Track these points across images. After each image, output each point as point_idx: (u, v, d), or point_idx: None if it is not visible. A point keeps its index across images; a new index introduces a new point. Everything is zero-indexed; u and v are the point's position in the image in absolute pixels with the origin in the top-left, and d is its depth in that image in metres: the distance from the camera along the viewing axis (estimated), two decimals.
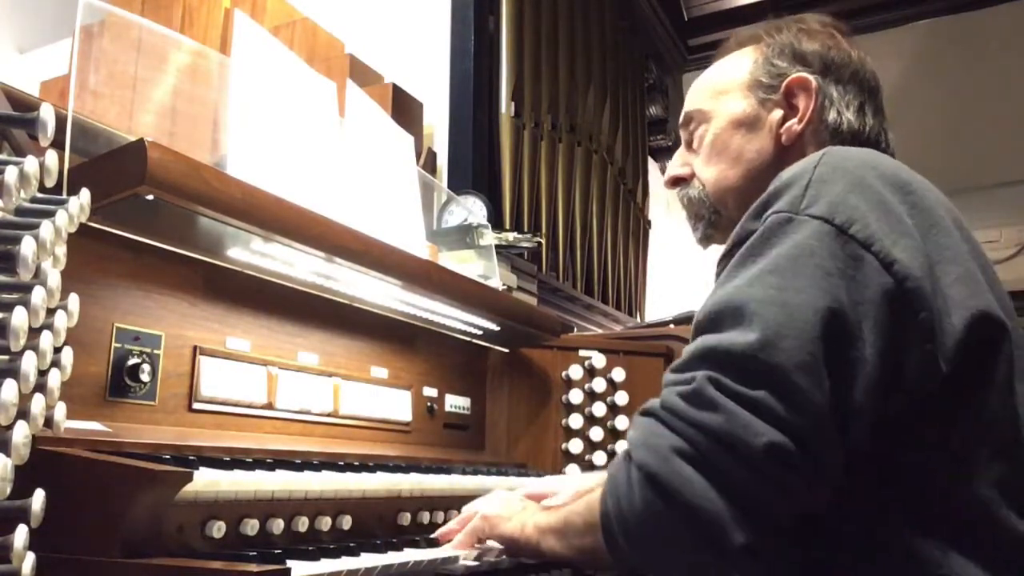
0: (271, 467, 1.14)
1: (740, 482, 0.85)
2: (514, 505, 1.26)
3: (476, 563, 1.21)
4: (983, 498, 0.91)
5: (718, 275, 1.03)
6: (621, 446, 2.06)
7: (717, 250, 1.14)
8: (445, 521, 1.43)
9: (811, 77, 1.19)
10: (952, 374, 0.90)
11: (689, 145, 1.31)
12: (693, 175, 1.29)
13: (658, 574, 1.02)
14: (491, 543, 1.27)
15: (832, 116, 1.19)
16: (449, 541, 1.27)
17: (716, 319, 0.93)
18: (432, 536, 1.30)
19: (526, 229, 3.23)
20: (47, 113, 0.76)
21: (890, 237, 0.92)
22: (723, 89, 1.26)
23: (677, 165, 1.32)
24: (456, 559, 1.18)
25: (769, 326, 0.87)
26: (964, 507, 0.91)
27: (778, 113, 1.21)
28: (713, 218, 1.27)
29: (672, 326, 2.39)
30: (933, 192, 1.03)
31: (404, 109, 2.94)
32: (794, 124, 1.19)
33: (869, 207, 0.94)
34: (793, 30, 1.25)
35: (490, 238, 2.41)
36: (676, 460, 0.87)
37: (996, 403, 0.93)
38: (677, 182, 1.32)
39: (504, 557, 1.25)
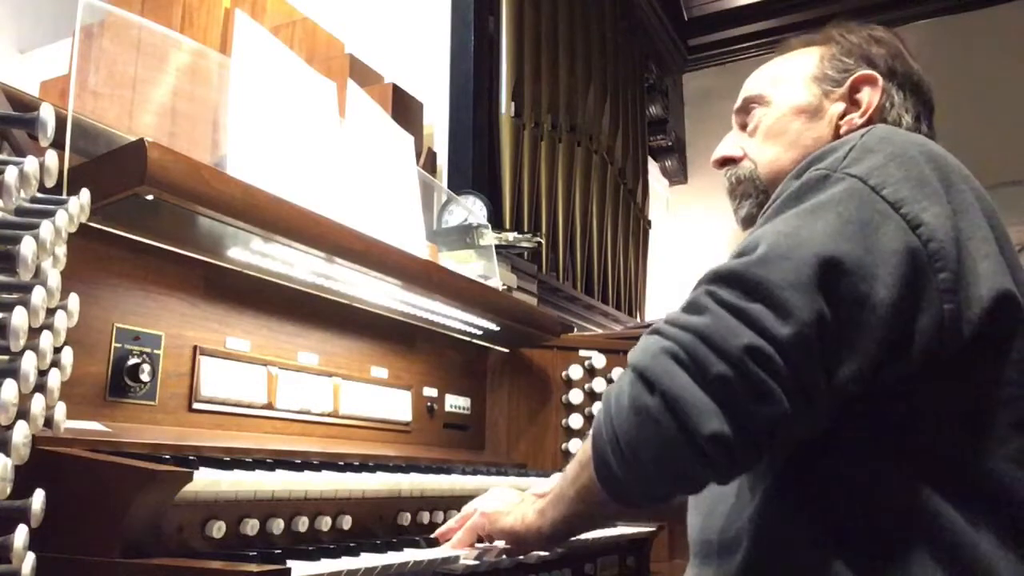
0: (271, 467, 1.14)
1: (718, 376, 0.87)
2: (512, 500, 1.27)
3: (476, 562, 1.21)
4: (999, 471, 0.93)
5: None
6: None
7: (718, 255, 1.14)
8: (445, 521, 1.43)
9: (878, 76, 1.22)
10: (972, 343, 0.92)
11: (743, 128, 1.31)
12: (744, 156, 1.29)
13: (643, 489, 0.99)
14: (491, 543, 1.27)
15: (892, 117, 1.21)
16: (448, 540, 1.27)
17: (736, 255, 0.96)
18: (432, 536, 1.30)
19: (526, 229, 3.23)
20: (47, 113, 0.76)
21: (920, 204, 0.94)
22: (788, 78, 1.27)
23: (729, 145, 1.32)
24: (456, 558, 1.18)
25: (773, 248, 0.91)
26: (979, 478, 0.93)
27: (840, 106, 1.22)
28: (761, 197, 1.26)
29: None
30: (972, 183, 1.05)
31: (404, 109, 2.94)
32: (855, 117, 1.21)
33: (906, 177, 0.96)
34: (863, 34, 1.26)
35: (490, 238, 2.41)
36: (663, 357, 0.90)
37: (1014, 379, 0.95)
38: (725, 162, 1.32)
39: (504, 557, 1.25)
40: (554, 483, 1.40)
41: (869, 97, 1.21)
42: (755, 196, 1.27)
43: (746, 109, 1.31)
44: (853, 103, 1.22)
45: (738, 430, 0.87)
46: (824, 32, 1.30)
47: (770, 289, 0.88)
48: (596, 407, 2.05)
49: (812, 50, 1.28)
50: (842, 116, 1.22)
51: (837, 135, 1.20)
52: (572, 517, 1.12)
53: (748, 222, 1.29)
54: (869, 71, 1.22)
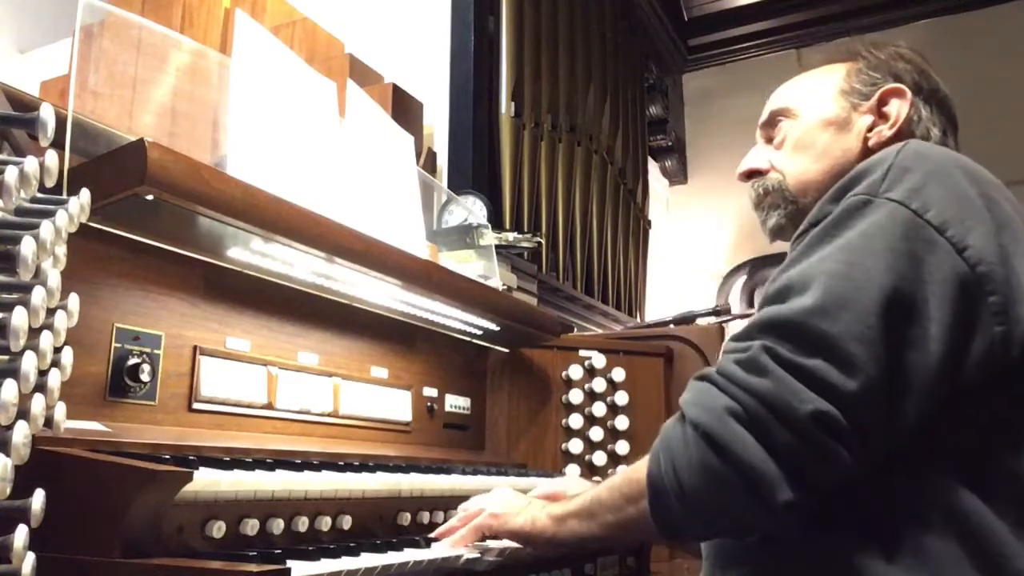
0: (271, 467, 1.14)
1: (785, 445, 0.87)
2: (519, 502, 1.27)
3: (477, 557, 1.21)
4: None
5: (790, 256, 1.04)
6: (621, 446, 2.06)
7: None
8: (445, 521, 1.43)
9: (907, 89, 1.22)
10: (1021, 358, 0.92)
11: (769, 141, 1.32)
12: (771, 168, 1.29)
13: (701, 533, 1.05)
14: (491, 543, 1.27)
15: (920, 131, 1.21)
16: (448, 537, 1.27)
17: (784, 292, 0.96)
18: (431, 536, 1.30)
19: (526, 229, 3.23)
20: (47, 113, 0.76)
21: (965, 224, 0.94)
22: (815, 92, 1.28)
23: (755, 158, 1.32)
24: (458, 558, 1.18)
25: (830, 295, 0.90)
26: (1012, 483, 0.93)
27: (868, 119, 1.23)
28: (790, 208, 1.27)
29: (672, 326, 2.39)
30: (1008, 195, 1.05)
31: (404, 109, 2.94)
32: (884, 129, 1.21)
33: (947, 195, 0.96)
34: (890, 50, 1.27)
35: (490, 238, 2.41)
36: (730, 420, 0.90)
37: None
38: (752, 175, 1.32)
39: (502, 558, 1.25)
40: (560, 485, 1.41)
41: (898, 109, 1.21)
42: (783, 207, 1.27)
43: (772, 123, 1.31)
44: (881, 116, 1.22)
45: (806, 493, 0.89)
46: (849, 48, 1.31)
47: (833, 343, 0.87)
48: (596, 407, 2.06)
49: (838, 66, 1.29)
50: (870, 128, 1.22)
51: (866, 147, 1.20)
52: (603, 538, 1.14)
53: (777, 233, 1.29)
54: (897, 84, 1.22)
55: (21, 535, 0.67)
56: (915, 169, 0.98)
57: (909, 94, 1.21)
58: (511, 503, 1.26)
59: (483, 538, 1.27)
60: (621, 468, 1.99)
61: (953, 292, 0.91)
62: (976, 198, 0.97)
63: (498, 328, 1.87)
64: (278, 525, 1.14)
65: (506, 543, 1.28)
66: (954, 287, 0.91)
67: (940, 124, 1.23)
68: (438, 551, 1.20)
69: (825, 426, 0.86)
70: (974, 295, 0.92)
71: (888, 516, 0.94)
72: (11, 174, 0.70)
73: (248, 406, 1.38)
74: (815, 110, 1.26)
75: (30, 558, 0.69)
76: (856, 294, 0.89)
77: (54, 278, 0.75)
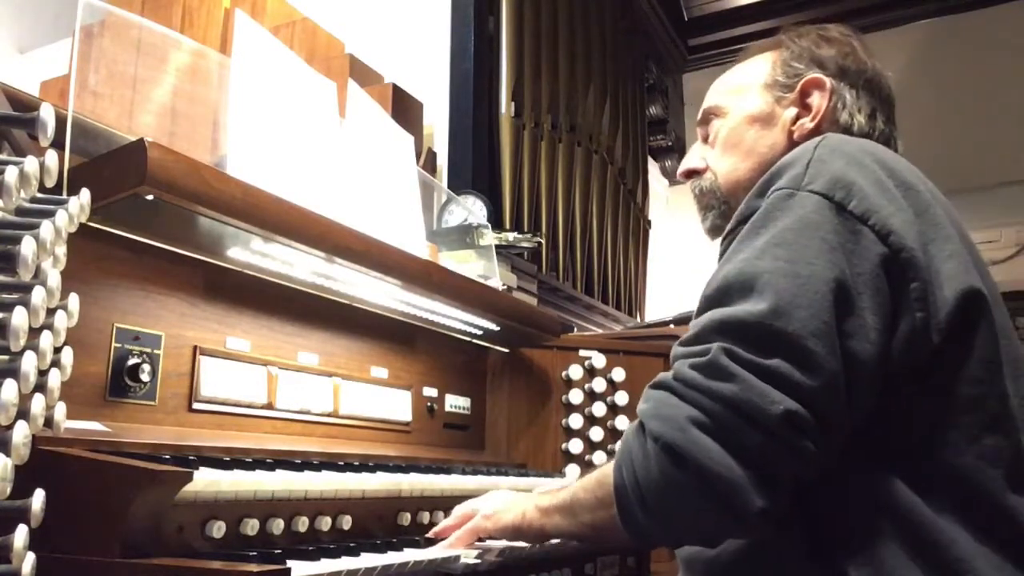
0: (271, 467, 1.14)
1: (757, 449, 0.87)
2: (509, 498, 1.28)
3: (477, 562, 1.21)
4: (970, 469, 0.94)
5: (723, 251, 1.06)
6: None
7: (718, 250, 1.15)
8: None
9: (827, 79, 1.23)
10: (942, 346, 0.94)
11: (705, 140, 1.34)
12: (707, 168, 1.32)
13: (672, 543, 1.06)
14: (491, 543, 1.27)
15: (844, 118, 1.22)
16: (445, 538, 1.27)
17: (726, 291, 0.96)
18: (428, 535, 1.30)
19: (526, 229, 3.23)
20: (47, 113, 0.76)
21: (886, 209, 0.96)
22: (742, 88, 1.30)
23: (693, 158, 1.35)
24: (457, 558, 1.18)
25: (782, 296, 0.90)
26: (953, 476, 0.94)
27: (792, 111, 1.25)
28: (723, 208, 1.30)
29: (672, 326, 2.39)
30: (926, 183, 1.07)
31: (404, 109, 2.94)
32: (807, 122, 1.23)
33: (866, 183, 0.98)
34: (813, 36, 1.28)
35: (490, 238, 2.41)
36: (693, 430, 0.89)
37: (981, 380, 0.96)
38: (691, 174, 1.36)
39: (502, 557, 1.24)
40: (559, 485, 1.42)
41: (819, 101, 1.22)
42: (717, 207, 1.31)
43: (706, 120, 1.34)
44: (805, 107, 1.24)
45: (777, 496, 0.89)
46: (776, 37, 1.33)
47: (792, 341, 0.88)
48: (596, 407, 2.05)
49: (766, 56, 1.31)
50: (794, 121, 1.24)
51: (791, 140, 1.22)
52: (584, 537, 1.16)
53: (715, 232, 1.32)
54: (817, 74, 1.23)
55: (21, 535, 0.67)
56: (833, 161, 1.00)
57: (829, 83, 1.22)
58: (502, 501, 1.27)
59: (480, 540, 1.28)
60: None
61: (880, 281, 0.93)
62: (893, 187, 1.00)
63: (498, 328, 1.87)
64: (278, 525, 1.14)
65: (505, 543, 1.28)
66: (880, 275, 0.93)
67: (868, 106, 1.23)
68: (438, 551, 1.20)
69: (794, 425, 0.87)
70: (898, 281, 0.94)
71: (830, 515, 0.95)
72: (11, 174, 0.70)
73: (248, 406, 1.38)
74: (741, 107, 1.28)
75: (30, 558, 0.69)
76: (805, 291, 0.90)
77: (54, 278, 0.75)
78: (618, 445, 1.00)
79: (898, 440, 0.96)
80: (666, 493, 0.91)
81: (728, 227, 1.07)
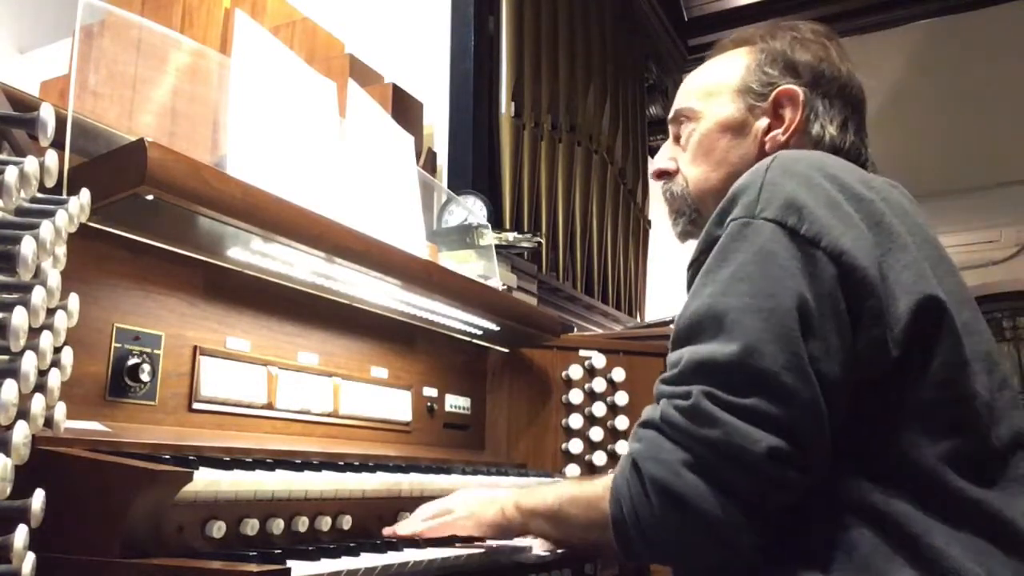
0: (271, 467, 1.14)
1: (746, 487, 0.92)
2: (483, 495, 1.29)
3: (476, 561, 1.21)
4: (933, 467, 0.96)
5: (689, 279, 1.09)
6: (621, 446, 2.06)
7: None
8: None
9: (800, 90, 1.22)
10: (900, 357, 0.96)
11: (677, 140, 1.34)
12: (678, 170, 1.32)
13: (673, 567, 1.11)
14: (490, 543, 1.27)
15: (816, 129, 1.22)
16: (414, 536, 1.26)
17: (697, 328, 1.00)
18: (387, 532, 1.29)
19: (526, 229, 3.23)
20: (47, 113, 0.76)
21: (837, 229, 0.98)
22: (714, 91, 1.29)
23: (664, 158, 1.35)
24: (458, 558, 1.18)
25: (750, 334, 0.94)
26: (916, 474, 0.96)
27: (764, 121, 1.24)
28: (693, 215, 1.31)
29: (672, 326, 2.38)
30: (880, 191, 1.07)
31: (404, 109, 2.94)
32: (779, 134, 1.23)
33: (816, 204, 1.00)
34: (787, 38, 1.27)
35: (490, 238, 2.41)
36: (687, 473, 0.93)
37: (943, 382, 0.98)
38: (662, 175, 1.36)
39: (502, 557, 1.25)
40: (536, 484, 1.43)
41: (791, 114, 1.22)
42: (688, 214, 1.31)
43: (678, 120, 1.33)
44: (777, 118, 1.23)
45: (767, 524, 0.94)
46: (749, 34, 1.32)
47: (768, 378, 0.92)
48: (596, 407, 2.05)
49: (739, 55, 1.29)
50: (767, 132, 1.23)
51: (763, 151, 1.22)
52: (566, 544, 1.24)
53: (685, 236, 1.34)
54: (791, 85, 1.22)
55: (21, 535, 0.67)
56: (783, 184, 1.01)
57: (802, 96, 1.22)
58: (479, 500, 1.28)
59: (465, 538, 1.28)
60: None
61: (839, 302, 0.96)
62: (844, 203, 1.01)
63: (498, 328, 1.87)
64: (278, 525, 1.14)
65: (506, 542, 1.28)
66: (837, 296, 0.96)
67: (840, 115, 1.23)
68: (438, 551, 1.20)
69: (779, 458, 0.91)
70: (854, 300, 0.96)
71: (808, 518, 0.97)
72: (11, 174, 0.70)
73: (248, 406, 1.38)
74: (714, 113, 1.27)
75: (30, 558, 0.69)
76: (770, 325, 0.93)
77: (54, 278, 0.75)
78: (613, 475, 1.04)
79: (864, 442, 0.98)
80: (666, 531, 0.96)
81: (693, 255, 1.10)
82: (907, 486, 0.95)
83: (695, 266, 1.08)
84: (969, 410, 0.98)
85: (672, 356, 1.02)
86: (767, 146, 1.23)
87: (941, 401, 0.97)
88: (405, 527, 1.29)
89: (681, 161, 1.31)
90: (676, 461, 0.94)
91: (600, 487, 1.06)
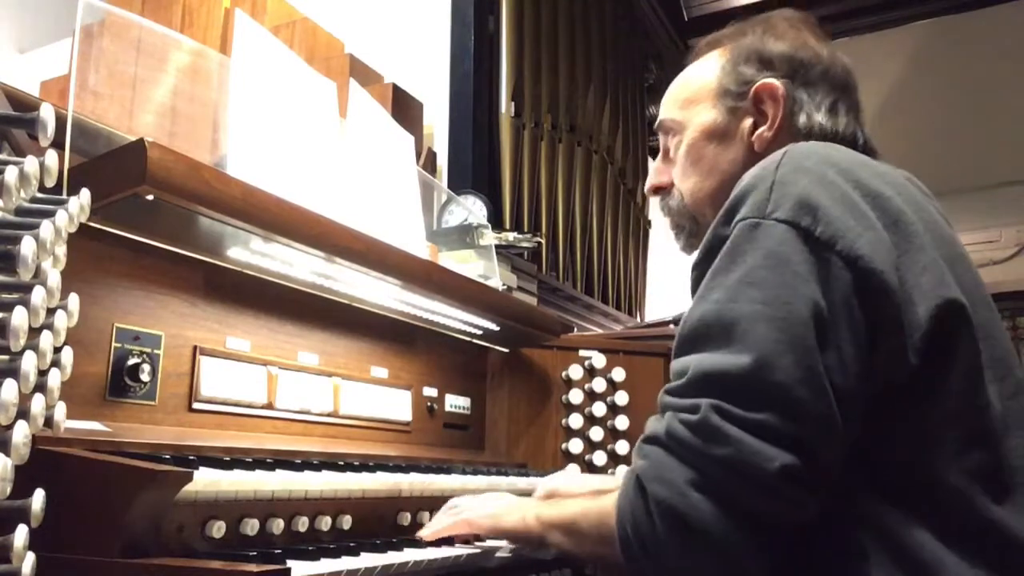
0: (271, 467, 1.14)
1: (756, 509, 0.88)
2: (511, 501, 1.28)
3: (477, 561, 1.21)
4: (955, 485, 0.92)
5: (694, 281, 1.04)
6: (621, 446, 2.06)
7: None
8: None
9: (778, 83, 1.18)
10: (920, 365, 0.92)
11: (667, 154, 1.31)
12: (672, 184, 1.29)
13: None
14: (490, 543, 1.27)
15: (802, 120, 1.17)
16: (438, 537, 1.27)
17: (704, 335, 0.94)
18: (419, 536, 1.29)
19: (526, 229, 3.23)
20: (47, 113, 0.76)
21: (854, 231, 0.93)
22: (693, 98, 1.26)
23: (656, 174, 1.33)
24: (458, 558, 1.18)
25: (763, 345, 0.89)
26: (936, 493, 0.92)
27: (749, 121, 1.20)
28: (693, 227, 1.27)
29: (672, 326, 2.38)
30: (896, 185, 1.03)
31: (404, 109, 2.94)
32: (765, 131, 1.18)
33: (832, 203, 0.95)
34: (758, 32, 1.23)
35: (490, 238, 2.41)
36: (693, 494, 0.89)
37: (963, 391, 0.94)
38: (658, 190, 1.33)
39: (502, 558, 1.25)
40: (560, 483, 1.41)
41: (773, 109, 1.18)
42: (687, 226, 1.28)
43: (664, 131, 1.31)
44: (760, 114, 1.19)
45: (777, 544, 0.90)
46: (720, 35, 1.28)
47: (781, 393, 0.87)
48: (596, 407, 2.05)
49: (712, 58, 1.26)
50: (752, 131, 1.20)
51: (752, 152, 1.19)
52: (583, 558, 1.24)
53: (689, 249, 1.30)
54: (768, 80, 1.18)
55: (21, 535, 0.67)
56: (796, 182, 0.97)
57: (781, 89, 1.17)
58: (502, 504, 1.27)
59: (476, 537, 1.28)
60: (620, 469, 1.99)
61: (855, 310, 0.91)
62: (860, 200, 0.97)
63: (498, 328, 1.87)
64: (278, 525, 1.14)
65: (504, 542, 1.28)
66: (853, 303, 0.91)
67: (827, 99, 1.18)
68: (438, 551, 1.20)
69: (792, 477, 0.86)
70: (871, 307, 0.92)
71: (815, 534, 0.94)
72: (11, 174, 0.70)
73: (248, 406, 1.38)
74: (696, 120, 1.24)
75: (30, 558, 0.69)
76: (784, 335, 0.89)
77: (54, 278, 0.75)
78: (617, 494, 0.99)
79: (882, 458, 0.94)
80: (671, 553, 0.91)
81: (697, 256, 1.05)
82: (927, 507, 0.91)
83: (700, 267, 1.03)
84: (987, 421, 0.94)
85: (677, 364, 0.97)
86: (756, 145, 1.19)
87: (961, 412, 0.93)
88: (434, 525, 1.30)
89: (673, 174, 1.29)
90: (683, 481, 0.89)
91: (609, 503, 1.01)
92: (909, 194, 1.04)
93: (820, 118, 1.17)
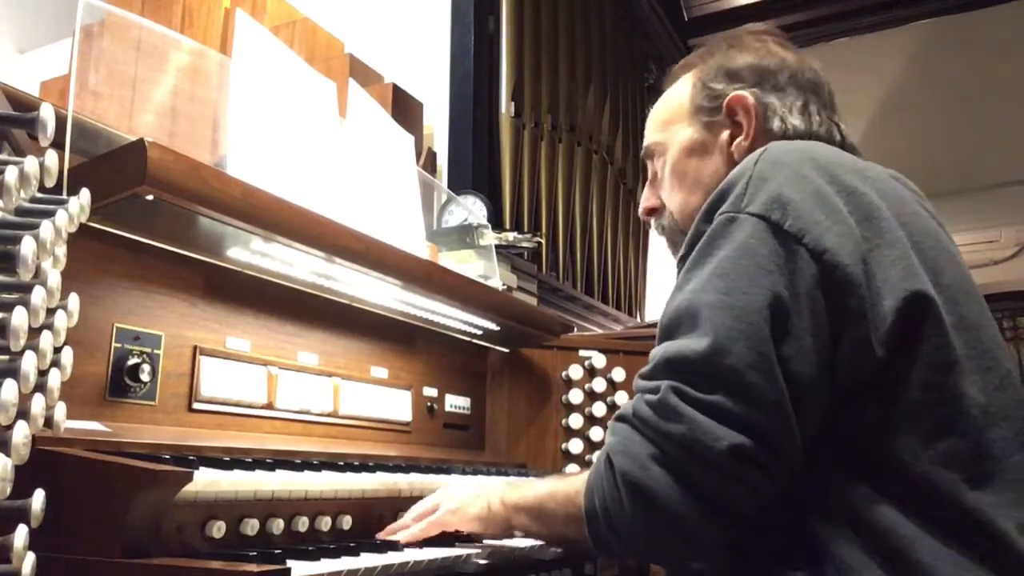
0: (271, 467, 1.14)
1: (709, 485, 0.92)
2: (473, 491, 1.29)
3: (477, 561, 1.21)
4: (925, 472, 0.94)
5: (679, 275, 1.08)
6: None
7: None
8: None
9: (746, 93, 1.22)
10: (887, 357, 0.94)
11: (654, 178, 1.36)
12: (663, 204, 1.34)
13: (645, 563, 1.11)
14: (489, 542, 1.27)
15: (776, 124, 1.21)
16: (399, 534, 1.27)
17: (675, 325, 1.00)
18: (385, 536, 1.28)
19: (526, 229, 3.23)
20: (47, 113, 0.76)
21: (822, 225, 0.96)
22: (670, 119, 1.31)
23: (649, 196, 1.37)
24: (458, 558, 1.18)
25: (719, 331, 0.93)
26: (907, 479, 0.94)
27: (726, 133, 1.24)
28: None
29: None
30: (875, 182, 1.06)
31: (404, 109, 2.94)
32: (742, 140, 1.23)
33: (804, 198, 0.98)
34: (723, 49, 1.29)
35: (490, 238, 2.41)
36: (654, 468, 0.94)
37: (930, 382, 0.96)
38: (650, 212, 1.37)
39: (500, 557, 1.25)
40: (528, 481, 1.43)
41: (746, 119, 1.22)
42: (681, 243, 1.30)
43: (649, 157, 1.35)
44: (736, 125, 1.23)
45: (734, 524, 0.94)
46: (688, 59, 1.34)
47: (733, 376, 0.91)
48: (596, 407, 2.06)
49: (685, 80, 1.31)
50: (730, 142, 1.24)
51: (733, 162, 1.21)
52: (548, 540, 1.25)
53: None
54: (737, 91, 1.22)
55: (21, 535, 0.67)
56: (771, 178, 1.00)
57: (750, 98, 1.22)
58: (468, 493, 1.29)
59: (449, 536, 1.28)
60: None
61: (817, 301, 0.94)
62: (833, 195, 1.00)
63: (498, 328, 1.87)
64: (278, 525, 1.14)
65: (505, 542, 1.28)
66: (816, 295, 0.94)
67: (798, 101, 1.22)
68: (438, 551, 1.20)
69: (742, 457, 0.90)
70: (835, 299, 0.95)
71: (791, 521, 0.97)
72: (11, 174, 0.70)
73: (248, 406, 1.38)
74: (676, 139, 1.29)
75: (30, 558, 0.69)
76: (739, 323, 0.93)
77: (54, 278, 0.75)
78: (588, 471, 1.05)
79: (854, 447, 0.96)
80: (635, 526, 0.96)
81: (682, 251, 1.10)
82: (896, 491, 0.93)
83: (683, 262, 1.08)
84: (958, 412, 0.96)
85: (652, 352, 1.03)
86: (735, 155, 1.22)
87: (928, 402, 0.95)
88: (400, 532, 1.28)
89: (662, 195, 1.33)
90: (645, 455, 0.94)
91: (579, 482, 1.07)
92: (889, 190, 1.06)
93: (794, 120, 1.21)
